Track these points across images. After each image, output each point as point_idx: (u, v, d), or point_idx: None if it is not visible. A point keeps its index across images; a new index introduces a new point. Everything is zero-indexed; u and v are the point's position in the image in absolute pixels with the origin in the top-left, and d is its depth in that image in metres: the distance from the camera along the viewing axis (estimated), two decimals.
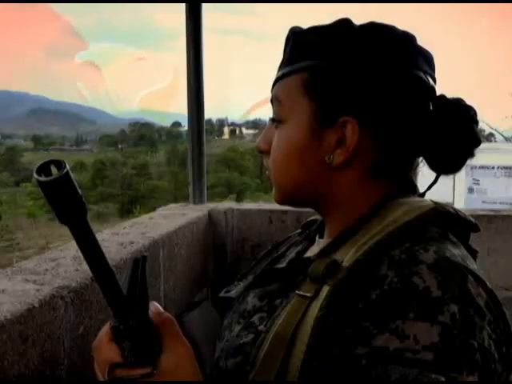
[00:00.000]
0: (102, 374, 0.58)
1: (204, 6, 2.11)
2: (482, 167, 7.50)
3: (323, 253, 0.70)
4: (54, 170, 0.49)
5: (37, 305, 0.81)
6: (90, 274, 0.99)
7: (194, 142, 2.15)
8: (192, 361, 0.60)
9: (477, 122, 0.74)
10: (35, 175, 0.48)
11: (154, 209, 2.18)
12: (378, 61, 0.70)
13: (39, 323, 0.81)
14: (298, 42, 0.74)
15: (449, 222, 0.70)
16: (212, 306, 0.94)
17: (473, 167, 7.49)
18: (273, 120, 0.76)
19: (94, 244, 0.54)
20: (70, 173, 0.49)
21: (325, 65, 0.70)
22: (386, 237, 0.65)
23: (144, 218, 1.81)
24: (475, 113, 0.74)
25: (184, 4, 2.09)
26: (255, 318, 0.71)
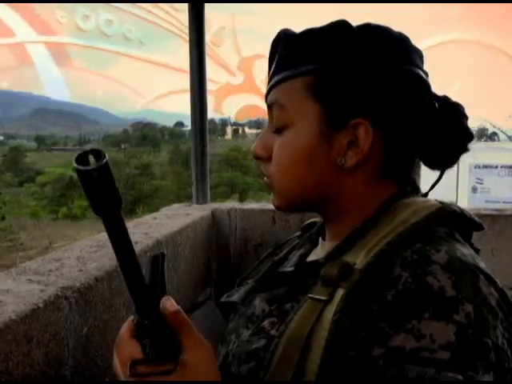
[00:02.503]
0: (124, 370, 0.57)
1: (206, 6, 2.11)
2: (485, 166, 7.48)
3: (332, 256, 0.70)
4: (92, 159, 0.48)
5: (41, 305, 0.81)
6: (94, 274, 1.00)
7: (197, 142, 2.15)
8: (213, 360, 0.60)
9: (467, 118, 0.76)
10: (75, 164, 0.47)
11: (157, 209, 2.18)
12: (384, 60, 0.70)
13: (43, 323, 0.81)
14: (295, 45, 0.73)
15: (455, 222, 0.70)
16: (215, 305, 0.94)
17: (476, 166, 7.47)
18: (275, 126, 0.74)
19: (126, 238, 0.54)
20: (109, 163, 0.48)
21: (331, 67, 0.69)
22: (396, 238, 0.65)
23: (147, 218, 1.81)
24: (463, 108, 0.76)
25: (187, 4, 2.10)
26: (266, 323, 0.70)
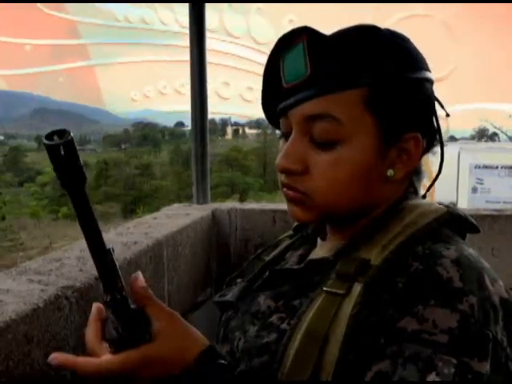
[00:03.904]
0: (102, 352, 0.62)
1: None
2: (485, 167, 7.49)
3: (341, 253, 0.71)
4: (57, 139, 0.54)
5: (41, 305, 0.81)
6: (94, 274, 1.00)
7: (197, 143, 2.15)
8: (182, 322, 0.65)
9: None
10: (44, 140, 0.54)
11: (157, 209, 2.18)
12: (425, 70, 0.71)
13: (44, 323, 0.81)
14: (343, 52, 0.67)
15: (458, 224, 0.73)
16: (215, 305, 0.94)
17: (476, 166, 7.48)
18: (321, 140, 0.69)
19: (90, 211, 0.58)
20: (74, 141, 0.54)
21: (388, 80, 0.67)
22: (409, 237, 0.67)
23: (148, 217, 1.81)
24: None
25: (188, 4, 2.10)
26: (274, 318, 0.71)
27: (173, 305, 1.46)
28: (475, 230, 0.75)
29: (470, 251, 0.67)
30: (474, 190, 7.56)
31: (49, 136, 0.54)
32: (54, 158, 0.54)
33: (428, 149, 0.76)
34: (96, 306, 0.67)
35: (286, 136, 0.74)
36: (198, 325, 0.85)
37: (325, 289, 0.66)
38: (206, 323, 0.92)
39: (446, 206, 0.73)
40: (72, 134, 0.55)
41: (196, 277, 1.76)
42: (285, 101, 0.72)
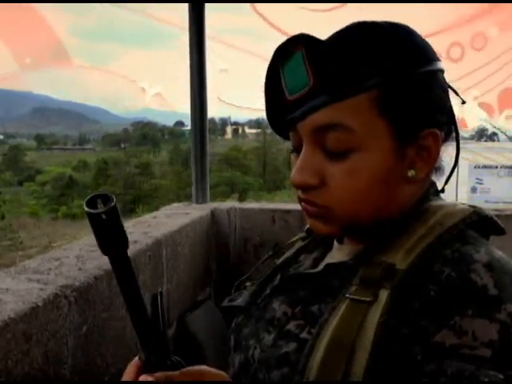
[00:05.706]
0: None
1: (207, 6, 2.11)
2: (485, 167, 7.49)
3: (361, 257, 0.68)
4: (100, 203, 0.53)
5: (40, 304, 0.81)
6: (94, 273, 1.00)
7: (197, 142, 2.15)
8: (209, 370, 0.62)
9: None
10: (85, 208, 0.52)
11: (156, 208, 2.19)
12: (436, 62, 0.68)
13: (43, 322, 0.81)
14: (347, 56, 0.64)
15: (483, 226, 0.70)
16: (215, 305, 0.94)
17: (476, 166, 7.48)
18: (334, 151, 0.66)
19: (132, 277, 0.57)
20: (116, 206, 0.52)
21: (396, 79, 0.64)
22: (436, 239, 0.64)
23: (147, 217, 1.81)
24: None
25: (187, 4, 2.10)
26: (291, 326, 0.67)
27: (172, 304, 1.46)
28: (500, 231, 0.72)
29: (500, 253, 0.64)
30: (474, 189, 7.56)
31: (91, 200, 0.53)
32: (95, 225, 0.52)
33: (444, 141, 0.72)
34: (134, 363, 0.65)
35: (297, 150, 0.71)
36: (197, 324, 0.85)
37: (349, 296, 0.63)
38: (205, 322, 0.92)
39: (471, 206, 0.70)
40: (114, 200, 0.53)
41: (195, 276, 1.76)
42: (291, 114, 0.68)
